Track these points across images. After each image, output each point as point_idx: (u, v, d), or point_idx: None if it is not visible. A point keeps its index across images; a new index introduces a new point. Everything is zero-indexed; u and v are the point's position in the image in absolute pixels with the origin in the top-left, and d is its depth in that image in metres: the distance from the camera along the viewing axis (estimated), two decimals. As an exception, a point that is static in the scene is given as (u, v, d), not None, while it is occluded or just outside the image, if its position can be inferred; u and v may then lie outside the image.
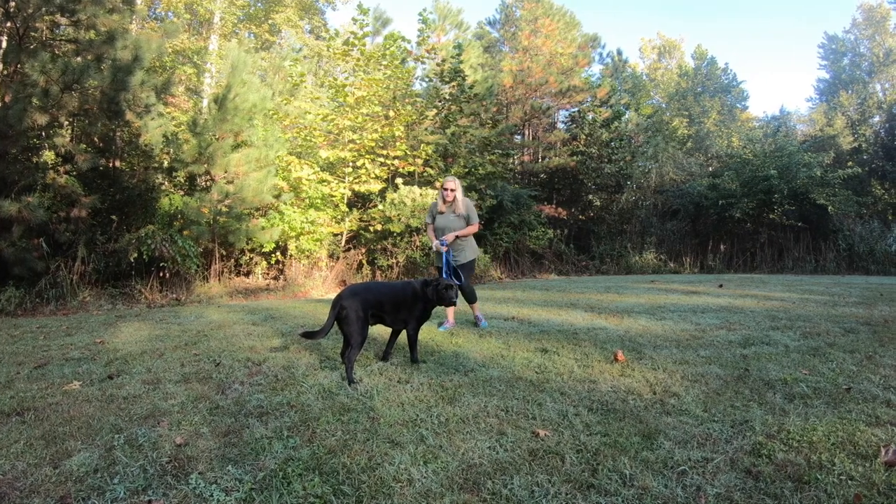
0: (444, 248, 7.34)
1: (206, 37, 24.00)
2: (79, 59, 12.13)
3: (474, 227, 7.76)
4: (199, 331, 7.20)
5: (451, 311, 7.75)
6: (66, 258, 12.00)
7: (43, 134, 12.52)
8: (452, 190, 7.58)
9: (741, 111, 45.82)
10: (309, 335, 4.81)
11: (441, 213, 7.72)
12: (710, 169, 29.16)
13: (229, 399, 4.21)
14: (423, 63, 21.08)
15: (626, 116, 28.78)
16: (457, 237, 7.54)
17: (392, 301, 5.16)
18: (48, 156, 12.94)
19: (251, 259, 15.21)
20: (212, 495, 2.83)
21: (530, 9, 28.44)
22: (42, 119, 11.66)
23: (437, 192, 15.66)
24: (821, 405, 3.82)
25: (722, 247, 24.48)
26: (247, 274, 15.29)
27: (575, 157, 24.64)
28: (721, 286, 12.52)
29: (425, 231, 8.39)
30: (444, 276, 7.24)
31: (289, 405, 4.02)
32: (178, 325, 8.06)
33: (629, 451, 3.07)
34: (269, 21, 28.07)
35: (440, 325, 7.54)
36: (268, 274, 15.51)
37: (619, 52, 40.45)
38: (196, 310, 10.33)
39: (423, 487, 2.71)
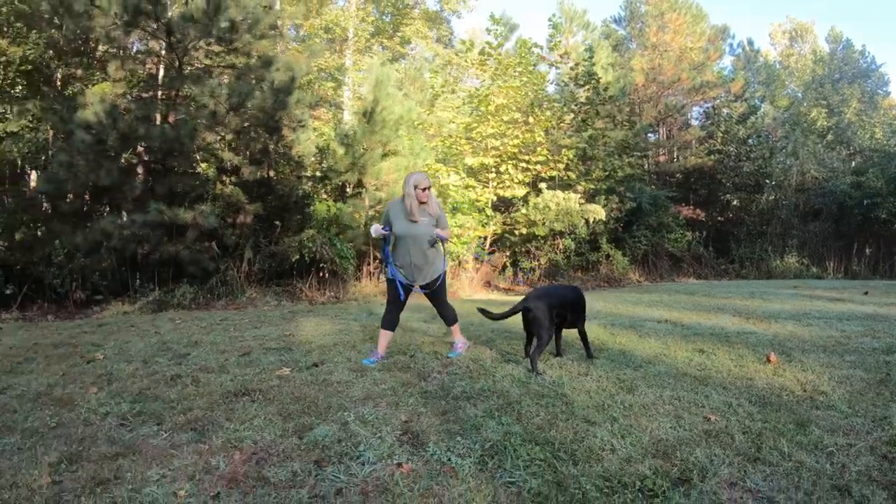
0: (384, 232, 6.40)
1: (340, 52, 25.66)
2: (239, 82, 13.85)
3: (448, 232, 6.73)
4: (378, 327, 8.25)
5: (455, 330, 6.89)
6: (233, 259, 13.76)
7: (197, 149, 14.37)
8: (428, 188, 6.43)
9: (883, 98, 43.31)
10: (487, 313, 6.10)
11: (413, 220, 6.41)
12: (853, 164, 28.12)
13: (433, 385, 5.13)
14: (556, 67, 21.89)
15: (762, 111, 28.50)
16: (438, 241, 6.48)
17: (571, 303, 6.07)
18: (204, 168, 14.73)
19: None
20: (449, 459, 3.54)
21: (655, 4, 28.76)
22: (210, 137, 13.78)
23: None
24: (956, 408, 4.40)
25: (867, 250, 23.71)
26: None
27: (712, 156, 24.64)
28: (866, 293, 12.58)
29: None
30: (396, 281, 6.49)
31: (489, 391, 4.88)
32: (353, 320, 9.29)
33: (786, 435, 3.80)
34: (399, 34, 29.62)
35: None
36: (411, 276, 16.72)
37: (751, 42, 39.76)
38: (362, 307, 11.65)
39: (624, 454, 3.54)
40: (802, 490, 3.03)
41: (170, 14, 13.03)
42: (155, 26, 13.13)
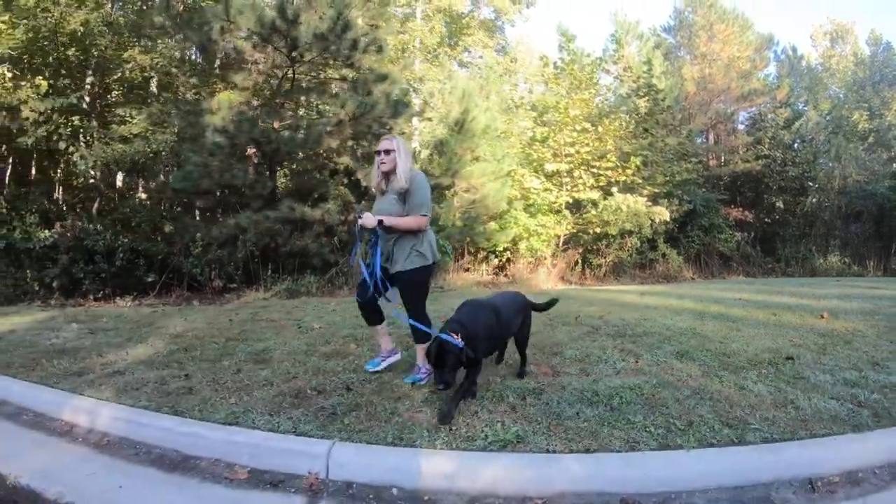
0: (367, 222, 5.68)
1: (407, 62, 28.62)
2: (357, 93, 16.37)
3: (415, 220, 5.71)
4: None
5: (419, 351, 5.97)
6: (346, 253, 16.66)
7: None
8: (388, 152, 5.78)
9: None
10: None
11: (380, 189, 6.05)
12: (894, 167, 30.90)
13: (612, 331, 8.09)
14: (620, 80, 25.21)
15: (805, 116, 31.40)
16: (386, 228, 5.67)
17: None
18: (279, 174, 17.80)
19: (487, 256, 19.91)
20: (659, 358, 6.57)
21: (703, 14, 31.79)
22: (333, 143, 16.13)
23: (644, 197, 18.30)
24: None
25: (906, 250, 26.21)
26: (466, 269, 19.86)
27: (760, 161, 27.51)
28: (900, 284, 15.76)
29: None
30: (368, 276, 5.86)
31: (650, 332, 7.93)
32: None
33: (838, 346, 7.04)
34: (461, 44, 32.83)
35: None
36: (489, 271, 20.11)
37: (794, 49, 42.78)
38: (473, 293, 14.78)
39: (752, 352, 6.73)
40: (853, 364, 6.23)
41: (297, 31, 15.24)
42: (283, 42, 15.43)
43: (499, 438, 4.30)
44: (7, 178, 19.26)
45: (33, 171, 19.74)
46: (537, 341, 7.32)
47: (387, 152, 5.77)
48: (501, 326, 5.67)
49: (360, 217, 5.71)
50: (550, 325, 8.65)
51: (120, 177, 21.48)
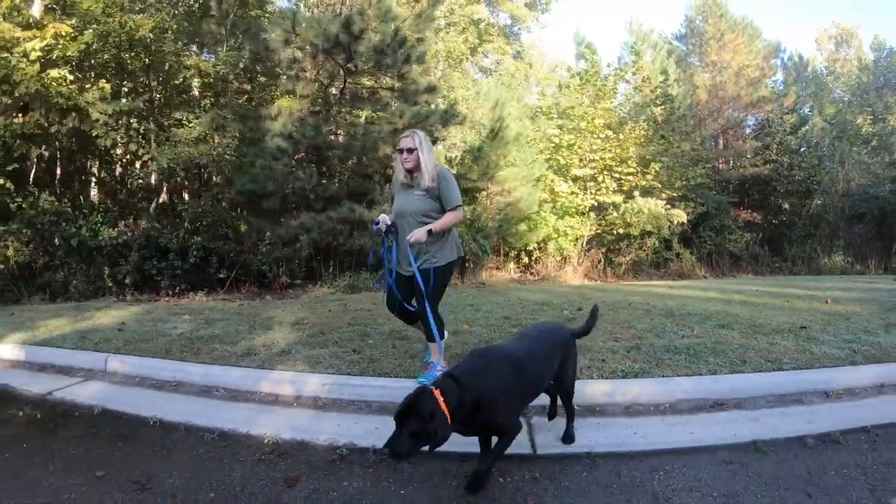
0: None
1: (445, 73, 31.08)
2: (404, 102, 18.65)
3: (456, 215, 6.04)
4: (580, 294, 14.18)
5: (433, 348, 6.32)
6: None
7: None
8: (412, 150, 5.95)
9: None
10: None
11: (405, 185, 6.25)
12: None
13: (661, 314, 10.67)
14: (640, 91, 27.76)
15: (811, 121, 33.67)
16: (429, 232, 5.84)
17: None
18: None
19: (518, 255, 22.43)
20: (707, 327, 9.37)
21: (714, 23, 33.93)
22: (387, 149, 17.80)
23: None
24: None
25: (906, 250, 28.37)
26: (497, 268, 22.30)
27: (768, 166, 29.67)
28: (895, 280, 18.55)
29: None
30: (388, 282, 6.38)
31: (694, 313, 10.41)
32: (541, 292, 14.97)
33: (839, 321, 9.50)
34: (480, 50, 34.86)
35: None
36: (517, 268, 22.69)
37: (801, 56, 45.25)
38: (516, 288, 17.38)
39: (775, 325, 9.16)
40: (851, 331, 8.67)
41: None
42: (343, 54, 16.98)
43: (630, 371, 6.69)
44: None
45: (58, 171, 20.24)
46: (611, 319, 9.93)
47: (409, 150, 5.91)
48: (525, 382, 4.49)
49: (380, 226, 6.28)
50: (612, 310, 11.09)
51: (154, 178, 22.00)
